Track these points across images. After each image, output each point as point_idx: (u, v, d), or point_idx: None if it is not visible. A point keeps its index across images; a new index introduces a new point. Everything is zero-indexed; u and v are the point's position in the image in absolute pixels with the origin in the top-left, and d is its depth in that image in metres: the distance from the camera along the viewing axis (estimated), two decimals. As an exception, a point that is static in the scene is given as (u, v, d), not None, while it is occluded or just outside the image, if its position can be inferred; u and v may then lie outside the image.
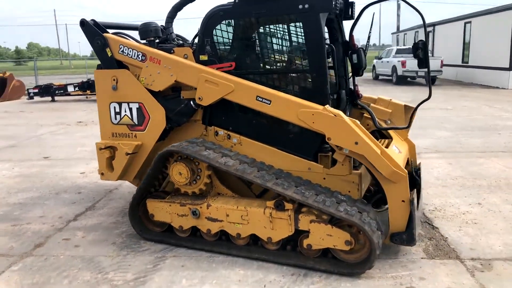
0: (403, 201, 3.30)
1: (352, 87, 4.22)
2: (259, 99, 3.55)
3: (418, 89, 17.55)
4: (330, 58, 3.80)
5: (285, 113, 3.49)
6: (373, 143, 3.27)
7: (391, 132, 4.16)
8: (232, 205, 3.56)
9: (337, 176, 3.58)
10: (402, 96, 14.99)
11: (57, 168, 6.61)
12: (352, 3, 4.00)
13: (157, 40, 4.13)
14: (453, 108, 12.00)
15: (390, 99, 4.29)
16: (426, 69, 3.62)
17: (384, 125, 4.19)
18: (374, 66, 24.14)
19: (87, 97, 16.69)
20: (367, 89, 17.97)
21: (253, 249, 3.56)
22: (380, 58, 23.53)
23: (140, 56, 3.93)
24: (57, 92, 16.72)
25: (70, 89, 16.67)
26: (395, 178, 3.26)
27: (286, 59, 3.83)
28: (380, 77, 23.43)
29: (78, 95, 17.00)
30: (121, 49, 4.00)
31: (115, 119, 4.13)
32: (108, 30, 4.23)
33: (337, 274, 3.23)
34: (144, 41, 4.13)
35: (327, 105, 3.40)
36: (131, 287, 3.15)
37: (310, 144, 3.62)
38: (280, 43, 3.82)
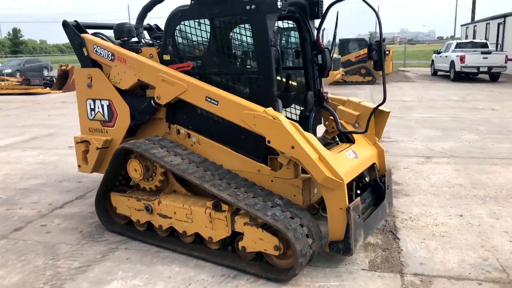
0: (340, 209, 3.19)
1: (319, 89, 4.10)
2: (208, 99, 3.60)
3: (477, 86, 16.34)
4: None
5: (231, 115, 3.51)
6: (309, 148, 3.19)
7: (358, 136, 4.00)
8: (179, 203, 3.65)
9: (283, 179, 3.53)
10: (454, 94, 14.11)
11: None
12: (318, 2, 3.89)
13: (131, 40, 4.31)
14: (501, 108, 11.08)
15: (359, 102, 4.13)
16: (381, 71, 3.44)
17: (351, 128, 4.04)
18: (432, 61, 22.83)
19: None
20: (420, 86, 17.14)
21: (196, 247, 3.63)
22: (439, 53, 22.18)
23: (110, 55, 4.13)
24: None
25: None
26: (330, 185, 3.16)
27: (238, 60, 3.82)
28: (439, 73, 22.11)
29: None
30: (95, 49, 4.22)
31: (91, 115, 4.38)
32: (91, 30, 4.50)
33: (264, 279, 3.21)
34: (118, 41, 4.32)
35: (270, 108, 3.37)
36: (70, 274, 3.37)
37: (259, 146, 3.59)
38: (233, 44, 3.81)
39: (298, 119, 4.18)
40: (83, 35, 4.29)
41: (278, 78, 3.79)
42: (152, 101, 3.94)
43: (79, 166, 4.50)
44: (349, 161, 3.52)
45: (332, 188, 3.19)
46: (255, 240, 3.25)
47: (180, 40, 3.87)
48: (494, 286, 3.05)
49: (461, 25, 35.11)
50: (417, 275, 3.21)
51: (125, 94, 4.14)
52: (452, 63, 19.39)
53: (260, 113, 3.32)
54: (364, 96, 14.51)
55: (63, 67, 19.11)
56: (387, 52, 17.89)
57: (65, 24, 4.35)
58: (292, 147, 3.20)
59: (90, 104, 4.36)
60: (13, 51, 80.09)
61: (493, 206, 4.49)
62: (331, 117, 4.06)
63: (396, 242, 3.75)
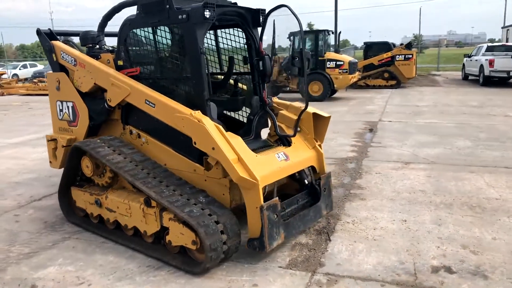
0: (256, 207, 3.37)
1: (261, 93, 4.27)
2: (147, 102, 3.88)
3: (504, 92, 15.73)
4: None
5: (165, 117, 3.77)
6: (228, 150, 3.39)
7: (297, 139, 4.14)
8: (122, 198, 3.94)
9: (214, 178, 3.75)
10: (474, 99, 13.71)
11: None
12: (258, 11, 4.07)
13: (96, 47, 4.67)
14: (514, 115, 10.68)
15: (300, 107, 4.26)
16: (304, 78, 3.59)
17: (290, 132, 4.18)
18: (464, 65, 22.10)
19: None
20: (443, 91, 16.73)
21: (134, 240, 3.91)
22: (470, 56, 21.44)
23: (73, 61, 4.50)
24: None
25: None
26: (246, 184, 3.35)
27: (176, 66, 4.06)
28: (470, 77, 21.36)
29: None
30: (62, 55, 4.61)
31: (60, 115, 4.78)
32: (66, 37, 4.91)
33: (182, 271, 3.43)
34: (84, 47, 4.70)
35: (198, 111, 3.60)
36: (17, 259, 3.74)
37: (194, 147, 3.82)
38: (171, 51, 4.06)
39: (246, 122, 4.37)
40: (53, 42, 4.70)
41: (231, 82, 4.02)
42: (105, 103, 4.27)
43: (50, 162, 4.91)
44: (274, 163, 3.68)
45: (248, 188, 3.38)
46: (178, 235, 3.49)
47: (130, 47, 4.18)
48: (395, 287, 3.12)
49: (502, 27, 33.64)
50: (327, 275, 3.33)
51: (86, 97, 4.49)
52: (481, 67, 18.72)
53: (187, 116, 3.56)
54: (380, 100, 14.38)
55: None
56: (409, 56, 17.47)
57: (38, 32, 4.77)
58: (213, 148, 3.42)
59: (59, 105, 4.76)
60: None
61: (442, 213, 4.48)
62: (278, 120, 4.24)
63: (326, 244, 3.87)
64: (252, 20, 4.09)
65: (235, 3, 4.21)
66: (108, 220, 4.11)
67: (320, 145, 4.27)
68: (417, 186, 5.37)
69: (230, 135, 3.62)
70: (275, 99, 4.51)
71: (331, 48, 16.73)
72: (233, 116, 4.62)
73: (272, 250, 3.68)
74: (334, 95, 15.82)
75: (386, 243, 3.84)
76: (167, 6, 3.69)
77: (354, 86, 18.57)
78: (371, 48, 19.45)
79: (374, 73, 18.74)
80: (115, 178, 4.19)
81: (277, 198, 3.55)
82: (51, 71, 4.84)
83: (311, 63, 3.69)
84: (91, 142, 4.12)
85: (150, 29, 4.00)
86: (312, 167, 4.18)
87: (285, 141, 4.14)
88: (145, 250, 3.76)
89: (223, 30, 4.48)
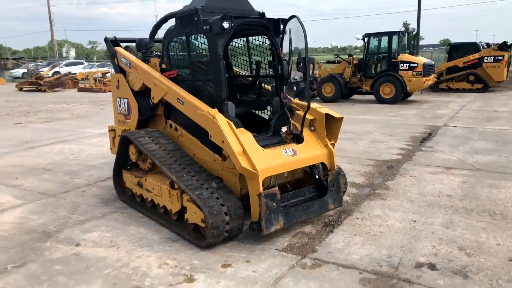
0: (256, 195, 3.84)
1: (281, 95, 4.70)
2: (178, 100, 4.55)
3: None
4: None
5: (190, 113, 4.40)
6: (235, 143, 3.90)
7: (310, 137, 4.51)
8: (156, 181, 4.66)
9: (228, 168, 4.29)
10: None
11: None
12: (278, 20, 4.50)
13: (148, 52, 5.47)
14: None
15: (316, 108, 4.61)
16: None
17: (307, 130, 4.56)
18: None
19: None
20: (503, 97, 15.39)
21: (164, 216, 4.60)
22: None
23: (128, 64, 5.34)
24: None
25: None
26: (247, 174, 3.84)
27: (203, 69, 4.64)
28: None
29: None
30: (121, 59, 5.49)
31: (119, 110, 5.67)
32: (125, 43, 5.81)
33: (193, 244, 4.02)
34: (140, 53, 5.52)
35: (214, 109, 4.17)
36: (73, 224, 4.64)
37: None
38: (198, 57, 4.65)
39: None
40: (115, 48, 5.60)
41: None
42: (150, 101, 5.03)
43: (110, 148, 5.84)
44: (279, 158, 4.10)
45: (250, 177, 3.86)
46: (192, 214, 4.08)
47: (170, 52, 4.88)
48: (371, 276, 3.39)
49: None
50: (314, 259, 3.68)
51: (138, 94, 5.30)
52: None
53: (205, 113, 4.14)
54: (456, 105, 13.74)
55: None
56: (500, 58, 16.47)
57: (105, 40, 5.71)
58: (222, 141, 3.96)
59: (118, 101, 5.65)
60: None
61: (457, 217, 4.51)
62: (292, 120, 4.65)
63: (327, 234, 4.19)
64: (274, 28, 4.53)
65: (262, 14, 4.70)
66: (147, 199, 4.86)
67: (333, 144, 4.58)
68: (446, 190, 5.37)
69: (240, 131, 4.13)
70: (295, 100, 4.91)
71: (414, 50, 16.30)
72: (260, 115, 5.11)
73: (275, 235, 4.13)
74: (409, 98, 15.40)
75: (384, 238, 4.05)
76: (195, 18, 4.31)
77: (435, 89, 17.83)
78: (456, 49, 18.43)
79: (458, 75, 17.76)
80: (154, 164, 4.92)
81: (276, 188, 3.98)
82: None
83: (315, 68, 4.08)
84: (136, 133, 4.90)
85: (184, 38, 4.65)
86: (323, 164, 4.51)
87: (299, 139, 4.53)
88: (169, 226, 4.42)
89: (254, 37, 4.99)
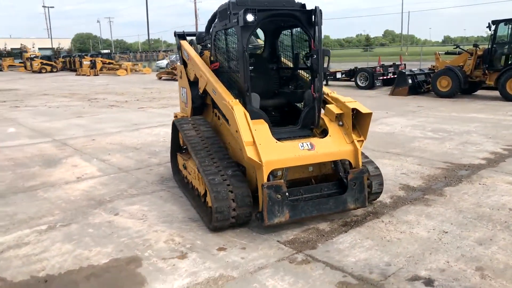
0: (262, 185, 3.91)
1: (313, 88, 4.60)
2: (213, 91, 4.81)
3: None
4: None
5: (220, 103, 4.64)
6: (247, 134, 4.01)
7: (336, 132, 4.35)
8: (193, 165, 5.02)
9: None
10: None
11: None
12: (310, 11, 4.39)
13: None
14: None
15: (344, 101, 4.41)
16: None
17: (335, 125, 4.42)
18: None
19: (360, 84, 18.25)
20: None
21: (196, 198, 4.94)
22: None
23: (187, 56, 5.79)
24: (329, 77, 19.56)
25: (339, 75, 19.14)
26: (254, 164, 3.93)
27: (235, 61, 4.76)
28: None
29: (347, 81, 19.26)
30: (184, 51, 5.96)
31: (182, 98, 6.19)
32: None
33: (206, 226, 4.27)
34: (199, 45, 5.92)
35: (236, 100, 4.33)
36: (124, 196, 5.29)
37: None
38: (232, 49, 4.78)
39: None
40: (180, 41, 6.09)
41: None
42: (198, 90, 5.40)
43: (175, 133, 6.40)
44: (293, 151, 4.07)
45: (257, 168, 3.94)
46: (209, 198, 4.33)
47: (216, 45, 5.15)
48: (353, 281, 3.21)
49: None
50: (307, 256, 3.62)
51: (193, 85, 5.71)
52: None
53: (226, 103, 4.33)
54: None
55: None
56: None
57: (174, 34, 6.25)
58: (236, 131, 4.11)
59: (181, 90, 6.16)
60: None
61: (502, 235, 3.90)
62: (322, 114, 4.54)
63: (338, 234, 4.04)
64: (306, 20, 4.45)
65: (303, 5, 4.64)
66: (188, 180, 5.27)
67: (362, 141, 4.34)
68: (510, 203, 4.63)
69: (257, 122, 4.20)
70: (332, 93, 4.73)
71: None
72: (299, 107, 5.07)
73: (285, 228, 4.15)
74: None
75: (396, 246, 3.75)
76: (228, 12, 4.49)
77: None
78: None
79: None
80: (196, 149, 5.29)
81: (282, 180, 3.97)
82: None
83: (330, 60, 3.90)
84: (182, 120, 5.32)
85: (223, 31, 4.87)
86: (349, 162, 4.32)
87: (326, 133, 4.40)
88: (196, 207, 4.75)
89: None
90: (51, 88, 23.87)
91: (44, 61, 45.29)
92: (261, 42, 5.85)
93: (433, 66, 15.94)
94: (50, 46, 71.61)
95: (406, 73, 15.25)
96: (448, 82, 13.84)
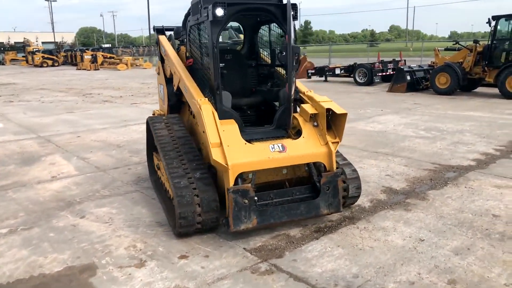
0: (227, 190, 3.70)
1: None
2: (185, 89, 4.60)
3: None
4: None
5: (190, 101, 4.42)
6: (214, 135, 3.80)
7: (311, 133, 4.13)
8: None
9: (218, 160, 4.20)
10: None
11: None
12: (285, 6, 4.16)
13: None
14: None
15: (319, 101, 4.18)
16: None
17: (310, 125, 4.19)
18: None
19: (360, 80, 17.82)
20: None
21: (167, 201, 4.73)
22: None
23: (164, 51, 5.57)
24: (327, 73, 19.28)
25: (338, 71, 18.84)
26: (219, 167, 3.72)
27: (205, 58, 4.54)
28: None
29: (346, 77, 18.96)
30: (161, 47, 5.74)
31: (159, 95, 5.98)
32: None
33: (169, 227, 4.08)
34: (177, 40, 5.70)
35: (205, 99, 4.12)
36: (96, 198, 5.10)
37: None
38: (204, 45, 4.56)
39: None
40: (159, 36, 5.87)
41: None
42: (173, 88, 5.19)
43: (154, 131, 6.19)
44: (262, 153, 3.85)
45: (224, 171, 3.73)
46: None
47: (190, 40, 4.93)
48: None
49: None
50: (272, 265, 3.41)
51: (170, 81, 5.50)
52: None
53: (195, 102, 4.12)
54: None
55: (296, 57, 21.72)
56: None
57: (153, 28, 6.03)
58: (203, 132, 3.90)
59: (159, 87, 5.95)
60: (302, 41, 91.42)
61: (481, 244, 3.67)
62: (297, 113, 4.31)
63: (309, 241, 3.83)
64: (282, 15, 4.22)
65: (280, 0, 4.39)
66: (162, 182, 5.06)
67: (337, 143, 4.11)
68: (497, 210, 4.40)
69: (226, 122, 3.99)
70: (308, 92, 4.50)
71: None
72: (276, 105, 4.85)
73: (254, 234, 3.94)
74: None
75: (367, 255, 3.53)
76: (199, 6, 4.26)
77: None
78: None
79: None
80: (170, 149, 5.08)
81: (249, 184, 3.75)
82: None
83: (298, 59, 3.71)
84: (156, 118, 5.10)
85: (196, 26, 4.64)
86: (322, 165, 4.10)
87: (300, 134, 4.18)
88: (166, 210, 4.55)
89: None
90: (49, 83, 23.72)
91: (46, 55, 45.16)
92: (242, 37, 5.62)
93: (433, 63, 15.62)
94: (54, 40, 71.55)
95: (405, 69, 14.95)
96: (447, 78, 13.54)
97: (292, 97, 4.26)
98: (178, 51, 5.37)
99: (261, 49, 5.24)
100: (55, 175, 6.09)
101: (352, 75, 18.17)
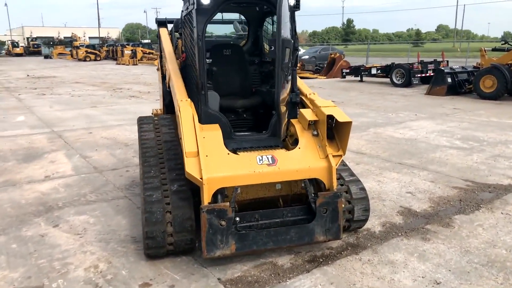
0: (201, 209, 3.13)
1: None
2: (172, 87, 4.07)
3: None
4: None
5: (174, 102, 3.88)
6: (190, 143, 3.25)
7: (309, 143, 3.48)
8: None
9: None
10: None
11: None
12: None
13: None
14: None
15: (320, 106, 3.52)
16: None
17: (308, 134, 3.55)
18: None
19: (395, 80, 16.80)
20: None
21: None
22: None
23: (162, 46, 5.07)
24: (363, 73, 18.29)
25: (374, 71, 17.83)
26: (194, 180, 3.16)
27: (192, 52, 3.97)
28: None
29: (382, 77, 17.91)
30: (161, 41, 5.24)
31: (160, 93, 5.49)
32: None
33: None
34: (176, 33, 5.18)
35: (187, 100, 3.57)
36: (79, 203, 4.68)
37: None
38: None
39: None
40: (160, 28, 5.37)
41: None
42: (166, 85, 4.67)
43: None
44: (248, 166, 3.25)
45: (200, 186, 3.16)
46: (152, 216, 3.60)
47: (184, 33, 4.39)
48: None
49: None
50: (243, 305, 2.81)
51: (165, 79, 4.99)
52: None
53: (177, 103, 3.57)
54: None
55: (332, 55, 20.86)
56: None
57: (155, 21, 5.54)
58: (180, 138, 3.35)
59: (158, 84, 5.46)
60: (344, 39, 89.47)
61: (487, 283, 2.90)
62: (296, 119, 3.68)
63: (298, 274, 3.19)
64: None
65: None
66: (148, 190, 4.57)
67: (339, 156, 3.44)
68: None
69: (209, 128, 3.43)
70: (311, 94, 3.84)
71: None
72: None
73: (235, 261, 3.36)
74: None
75: (364, 299, 2.86)
76: None
77: None
78: None
79: None
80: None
81: (227, 203, 3.15)
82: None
83: (295, 53, 3.02)
84: (146, 118, 4.61)
85: (188, 17, 4.09)
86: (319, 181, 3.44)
87: (296, 144, 3.55)
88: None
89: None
90: (86, 76, 24.08)
91: (89, 50, 46.34)
92: None
93: (478, 64, 14.36)
94: (99, 36, 73.66)
95: (446, 71, 13.80)
96: (493, 82, 12.31)
97: (285, 100, 3.61)
98: (176, 45, 4.85)
99: (266, 44, 4.62)
100: (49, 174, 5.75)
101: (389, 76, 17.11)
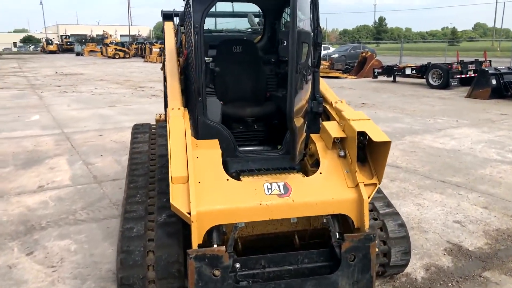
0: (187, 254, 2.40)
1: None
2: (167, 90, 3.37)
3: None
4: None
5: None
6: (177, 165, 2.54)
7: (338, 169, 2.70)
8: None
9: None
10: None
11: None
12: None
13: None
14: None
15: (350, 119, 2.72)
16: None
17: (334, 154, 2.76)
18: None
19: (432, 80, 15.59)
20: None
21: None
22: None
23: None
24: (396, 73, 17.19)
25: (408, 71, 16.71)
26: (180, 215, 2.43)
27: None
28: None
29: (417, 78, 16.76)
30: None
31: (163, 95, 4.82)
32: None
33: None
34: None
35: (180, 108, 2.87)
36: (65, 223, 4.05)
37: None
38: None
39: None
40: (165, 22, 4.69)
41: None
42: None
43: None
44: (252, 197, 2.49)
45: (186, 221, 2.43)
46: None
47: (185, 28, 3.70)
48: None
49: None
50: None
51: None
52: None
53: (168, 111, 2.87)
54: None
55: (363, 54, 19.82)
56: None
57: (161, 13, 4.87)
58: (169, 147, 2.65)
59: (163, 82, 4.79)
60: (375, 38, 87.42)
61: None
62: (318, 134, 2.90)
63: None
64: None
65: None
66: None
67: (374, 185, 2.64)
68: None
69: (205, 144, 2.71)
70: (338, 103, 3.05)
71: None
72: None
73: None
74: None
75: None
76: None
77: None
78: None
79: None
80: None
81: (223, 247, 2.40)
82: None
83: (319, 51, 2.23)
84: (142, 126, 3.97)
85: (187, 9, 3.39)
86: (345, 217, 2.64)
87: (317, 166, 2.77)
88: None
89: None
90: (112, 74, 23.90)
91: (118, 47, 46.66)
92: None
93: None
94: (129, 33, 74.53)
95: (490, 71, 12.61)
96: (545, 85, 11.08)
97: (303, 110, 2.82)
98: (180, 41, 4.15)
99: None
100: (43, 184, 5.18)
101: (424, 76, 15.94)
